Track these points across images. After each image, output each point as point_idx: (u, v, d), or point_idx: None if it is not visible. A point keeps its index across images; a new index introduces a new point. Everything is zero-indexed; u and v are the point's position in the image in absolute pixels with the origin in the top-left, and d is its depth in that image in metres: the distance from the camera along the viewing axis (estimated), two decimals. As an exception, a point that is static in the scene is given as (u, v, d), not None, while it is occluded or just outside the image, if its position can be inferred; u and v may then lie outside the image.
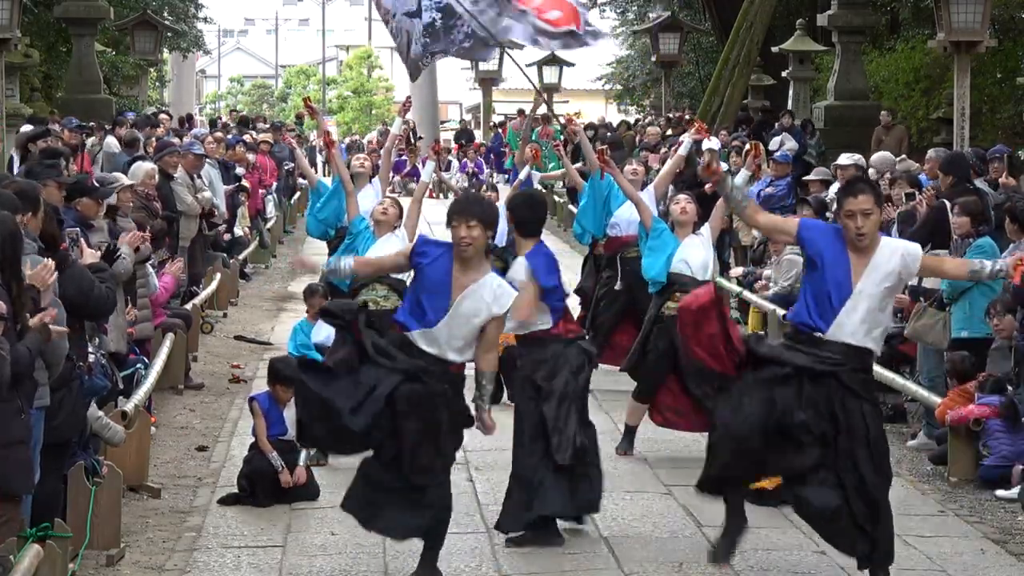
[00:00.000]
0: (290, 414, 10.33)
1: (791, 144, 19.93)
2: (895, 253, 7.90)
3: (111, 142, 19.66)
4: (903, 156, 19.29)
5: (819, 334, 7.83)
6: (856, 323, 7.80)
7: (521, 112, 39.68)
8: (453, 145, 41.67)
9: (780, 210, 17.85)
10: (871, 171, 15.95)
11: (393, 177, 37.76)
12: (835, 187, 16.85)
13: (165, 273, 13.44)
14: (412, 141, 38.92)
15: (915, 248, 8.08)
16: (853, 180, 8.34)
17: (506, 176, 35.29)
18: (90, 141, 19.81)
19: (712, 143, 21.70)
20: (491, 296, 8.01)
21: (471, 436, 11.40)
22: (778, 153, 19.94)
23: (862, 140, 23.12)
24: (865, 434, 7.87)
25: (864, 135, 23.68)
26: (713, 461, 8.02)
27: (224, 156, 21.04)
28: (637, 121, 37.51)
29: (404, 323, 8.04)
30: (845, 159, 15.74)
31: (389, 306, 10.77)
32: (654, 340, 11.20)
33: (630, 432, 11.41)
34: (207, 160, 18.98)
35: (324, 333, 12.80)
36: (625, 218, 13.33)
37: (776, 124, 24.37)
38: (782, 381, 7.82)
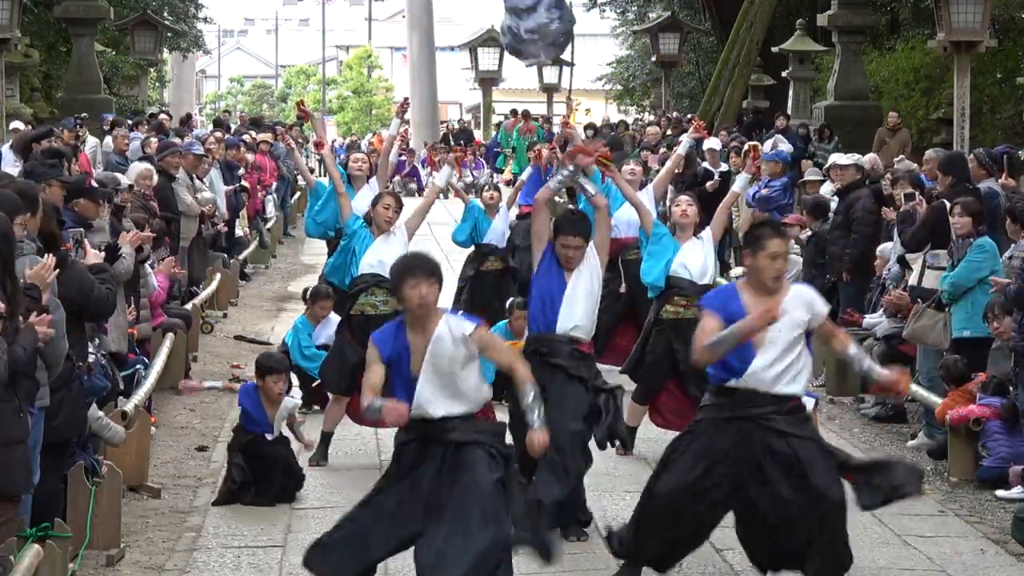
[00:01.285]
0: (277, 414, 10.28)
1: (785, 147, 19.92)
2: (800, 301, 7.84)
3: (109, 143, 19.68)
4: (901, 156, 19.27)
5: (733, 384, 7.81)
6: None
7: (514, 112, 39.78)
8: (453, 146, 41.71)
9: (778, 210, 17.85)
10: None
11: (393, 177, 37.87)
12: (828, 186, 16.84)
13: (157, 272, 13.44)
14: (449, 143, 38.99)
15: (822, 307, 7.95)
16: (769, 223, 8.27)
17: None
18: (91, 142, 19.84)
19: (712, 143, 21.73)
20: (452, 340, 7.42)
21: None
22: (770, 152, 19.92)
23: (860, 140, 23.11)
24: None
25: (864, 135, 23.66)
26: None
27: (226, 156, 21.02)
28: (636, 120, 37.53)
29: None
30: (844, 159, 15.70)
31: (388, 311, 10.71)
32: (653, 343, 11.19)
33: (630, 432, 11.40)
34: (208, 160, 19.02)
35: (325, 336, 12.79)
36: (624, 220, 13.26)
37: (773, 126, 24.32)
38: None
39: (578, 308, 9.11)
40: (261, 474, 10.00)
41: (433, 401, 7.32)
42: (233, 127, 28.87)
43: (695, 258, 11.10)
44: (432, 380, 7.32)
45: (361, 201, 13.32)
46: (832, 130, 24.08)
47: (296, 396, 10.57)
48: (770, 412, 7.76)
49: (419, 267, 7.38)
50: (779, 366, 7.76)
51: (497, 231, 14.40)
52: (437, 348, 7.32)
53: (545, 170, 15.17)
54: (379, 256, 11.01)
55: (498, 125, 41.39)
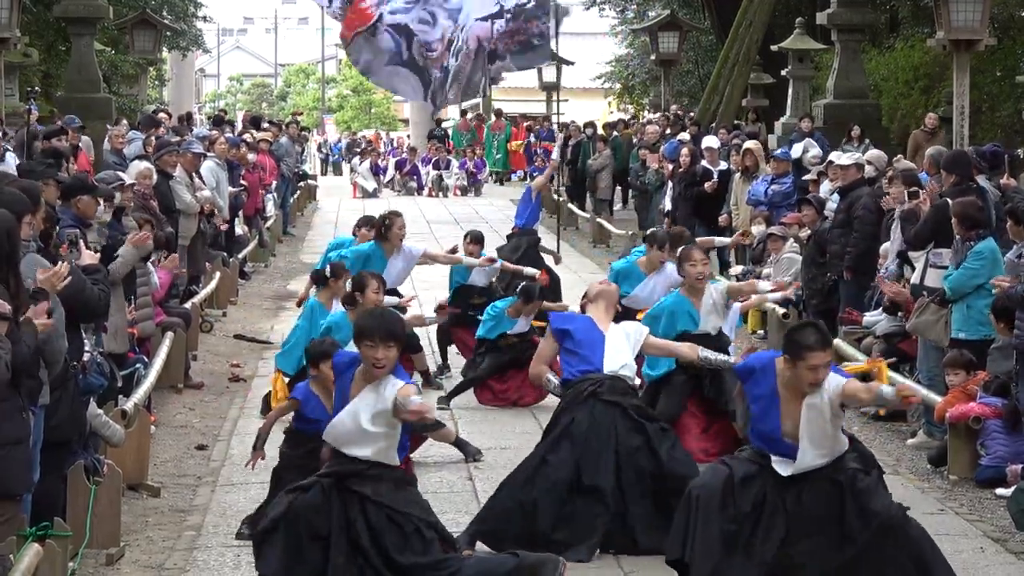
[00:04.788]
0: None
1: (815, 151, 19.63)
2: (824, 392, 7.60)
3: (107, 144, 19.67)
4: (899, 156, 19.23)
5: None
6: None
7: (464, 113, 39.92)
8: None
9: (785, 208, 17.83)
10: (869, 168, 15.91)
11: (393, 175, 37.90)
12: (828, 184, 16.81)
13: (160, 269, 13.46)
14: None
15: (836, 380, 7.64)
16: (814, 330, 7.66)
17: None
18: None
19: (711, 141, 21.72)
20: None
21: (472, 436, 11.46)
22: (779, 151, 19.88)
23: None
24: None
25: (863, 134, 23.61)
26: None
27: (230, 156, 21.01)
28: (633, 118, 37.54)
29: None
30: (846, 158, 15.68)
31: None
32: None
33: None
34: (215, 161, 19.01)
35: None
36: (644, 296, 13.15)
37: (795, 130, 24.03)
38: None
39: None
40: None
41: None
42: (239, 126, 28.93)
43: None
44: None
45: (392, 270, 13.41)
46: (864, 131, 23.76)
47: None
48: None
49: (379, 329, 7.40)
50: None
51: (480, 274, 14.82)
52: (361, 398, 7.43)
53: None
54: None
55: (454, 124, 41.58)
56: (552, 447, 9.04)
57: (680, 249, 11.74)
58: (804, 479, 7.63)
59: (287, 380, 11.88)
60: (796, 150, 19.63)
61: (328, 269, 12.40)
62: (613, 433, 9.01)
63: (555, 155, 20.07)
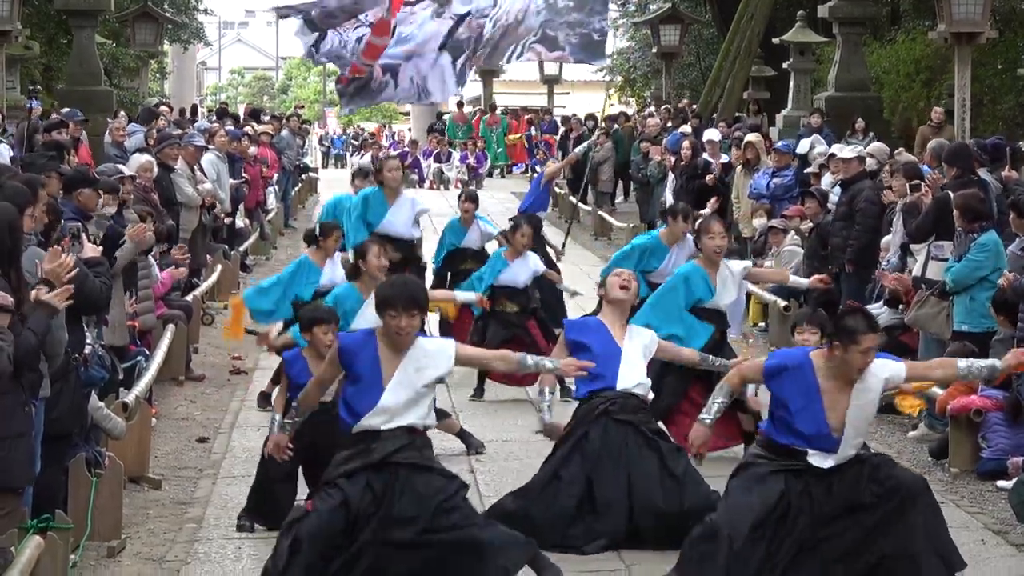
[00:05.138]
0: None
1: (822, 147, 19.64)
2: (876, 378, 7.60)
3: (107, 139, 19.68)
4: (901, 149, 19.22)
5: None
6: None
7: (461, 105, 39.90)
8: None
9: (787, 200, 17.83)
10: (871, 160, 15.90)
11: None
12: (829, 178, 16.80)
13: (164, 273, 13.48)
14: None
15: (891, 362, 7.71)
16: (862, 314, 7.72)
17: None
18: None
19: (712, 134, 21.70)
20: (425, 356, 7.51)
21: (474, 429, 11.45)
22: (780, 144, 19.86)
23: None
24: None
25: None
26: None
27: (231, 149, 21.01)
28: (639, 111, 37.51)
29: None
30: (848, 151, 15.67)
31: None
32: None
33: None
34: (215, 153, 19.00)
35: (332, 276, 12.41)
36: (669, 269, 13.08)
37: (803, 124, 23.99)
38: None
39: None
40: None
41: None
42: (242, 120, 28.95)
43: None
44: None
45: (397, 215, 13.87)
46: (868, 123, 23.68)
47: None
48: None
49: (401, 297, 7.40)
50: None
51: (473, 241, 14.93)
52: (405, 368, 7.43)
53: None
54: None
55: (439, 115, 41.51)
56: (563, 463, 8.99)
57: (699, 221, 11.75)
58: (837, 469, 7.63)
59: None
60: (803, 146, 19.56)
61: (317, 228, 12.48)
62: (624, 452, 8.97)
63: (579, 149, 20.24)
